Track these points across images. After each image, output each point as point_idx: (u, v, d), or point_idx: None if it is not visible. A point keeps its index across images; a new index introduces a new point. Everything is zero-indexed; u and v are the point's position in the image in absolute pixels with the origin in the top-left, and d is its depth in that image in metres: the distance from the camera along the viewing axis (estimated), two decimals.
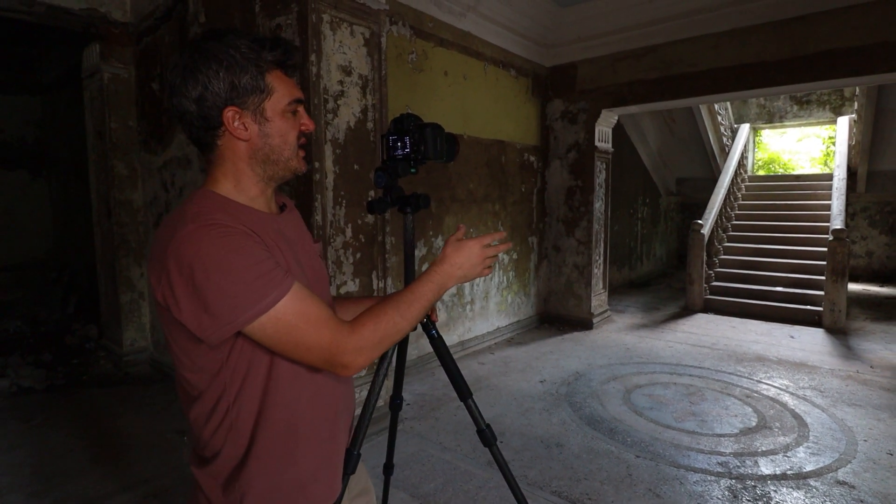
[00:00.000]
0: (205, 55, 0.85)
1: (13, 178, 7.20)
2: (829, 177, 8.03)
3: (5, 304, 5.98)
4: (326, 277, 1.09)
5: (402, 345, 1.46)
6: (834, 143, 8.78)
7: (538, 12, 4.83)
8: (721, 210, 7.25)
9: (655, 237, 9.25)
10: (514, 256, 5.19)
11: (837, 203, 6.37)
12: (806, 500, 2.32)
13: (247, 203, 0.92)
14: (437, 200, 4.18)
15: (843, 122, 8.33)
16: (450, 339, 4.40)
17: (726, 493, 2.38)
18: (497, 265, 4.95)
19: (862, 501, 2.30)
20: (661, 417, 3.19)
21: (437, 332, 1.31)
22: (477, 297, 4.72)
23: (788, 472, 2.55)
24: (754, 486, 2.43)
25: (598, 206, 5.40)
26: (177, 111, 0.88)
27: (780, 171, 11.59)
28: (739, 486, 2.43)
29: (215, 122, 0.87)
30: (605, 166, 5.48)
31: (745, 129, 9.07)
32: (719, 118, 8.41)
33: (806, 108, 9.52)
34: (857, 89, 7.40)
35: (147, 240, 4.18)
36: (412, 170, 1.25)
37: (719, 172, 8.05)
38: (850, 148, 7.97)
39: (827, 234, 5.83)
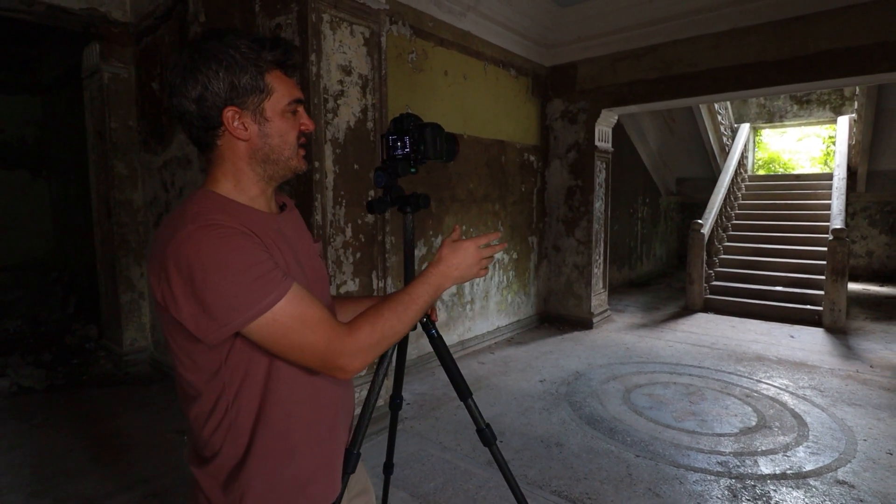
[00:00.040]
0: (205, 55, 0.85)
1: (13, 178, 7.20)
2: (829, 176, 8.04)
3: (5, 304, 5.98)
4: (326, 277, 1.10)
5: (402, 344, 1.46)
6: (834, 143, 8.78)
7: (538, 12, 4.83)
8: (721, 210, 7.25)
9: (655, 237, 9.25)
10: (514, 256, 5.19)
11: (837, 203, 6.37)
12: (805, 499, 2.32)
13: (247, 203, 0.92)
14: (437, 200, 4.18)
15: (843, 121, 8.33)
16: (450, 338, 4.41)
17: (726, 492, 2.38)
18: (497, 265, 4.95)
19: (861, 501, 2.30)
20: (661, 417, 3.19)
21: (437, 331, 1.31)
22: (477, 296, 4.72)
23: (788, 472, 2.55)
24: (754, 486, 2.43)
25: (598, 205, 5.40)
26: (177, 111, 0.88)
27: (780, 171, 11.60)
28: (739, 485, 2.43)
29: (215, 121, 0.88)
30: (605, 166, 5.48)
31: (745, 128, 9.07)
32: (719, 118, 8.41)
33: (806, 107, 9.52)
34: (857, 89, 7.41)
35: (147, 240, 4.18)
36: (412, 169, 1.25)
37: (719, 172, 8.05)
38: (850, 147, 7.97)
39: (827, 233, 5.83)
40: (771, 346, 4.69)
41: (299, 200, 2.56)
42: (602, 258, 5.56)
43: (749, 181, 8.97)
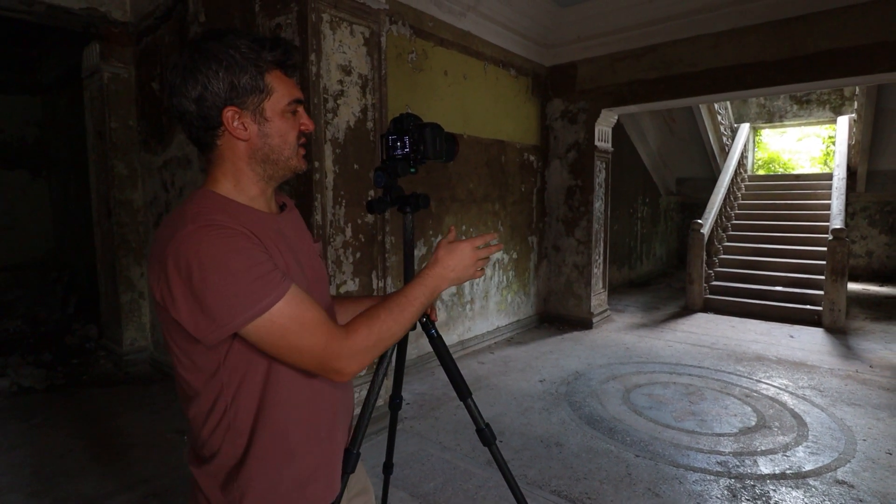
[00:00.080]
0: (204, 55, 0.85)
1: (13, 178, 7.20)
2: (829, 176, 8.04)
3: (5, 304, 5.98)
4: (326, 277, 1.10)
5: (402, 344, 1.46)
6: (834, 143, 8.78)
7: (538, 12, 4.83)
8: (721, 210, 7.25)
9: (655, 237, 9.25)
10: (514, 256, 5.19)
11: (837, 203, 6.37)
12: (805, 499, 2.32)
13: (247, 203, 0.92)
14: (436, 200, 4.18)
15: (843, 121, 8.33)
16: (449, 338, 4.41)
17: (725, 492, 2.38)
18: (497, 265, 4.95)
19: (861, 501, 2.30)
20: (661, 417, 3.19)
21: (437, 331, 1.32)
22: (477, 296, 4.72)
23: (787, 472, 2.55)
24: (753, 486, 2.43)
25: (598, 205, 5.40)
26: (177, 111, 0.88)
27: (780, 171, 11.60)
28: (738, 485, 2.44)
29: (215, 121, 0.88)
30: (604, 166, 5.48)
31: (744, 128, 9.07)
32: (719, 118, 8.41)
33: (806, 107, 9.53)
34: (857, 89, 7.41)
35: (147, 240, 4.18)
36: (412, 169, 1.25)
37: (719, 172, 8.05)
38: (850, 147, 7.97)
39: (827, 233, 5.83)
40: (771, 346, 4.69)
41: (299, 200, 2.56)
42: (602, 258, 5.56)
43: (749, 181, 8.97)
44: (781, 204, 7.93)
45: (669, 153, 8.66)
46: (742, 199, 8.34)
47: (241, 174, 0.92)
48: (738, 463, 2.64)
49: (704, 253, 6.30)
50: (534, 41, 5.09)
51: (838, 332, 5.18)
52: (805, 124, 10.03)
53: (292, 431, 0.91)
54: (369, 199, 1.82)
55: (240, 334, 0.82)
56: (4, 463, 2.63)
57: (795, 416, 3.21)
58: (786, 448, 2.80)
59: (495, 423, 3.06)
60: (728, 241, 7.30)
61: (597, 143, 5.26)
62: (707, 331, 5.29)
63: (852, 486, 2.41)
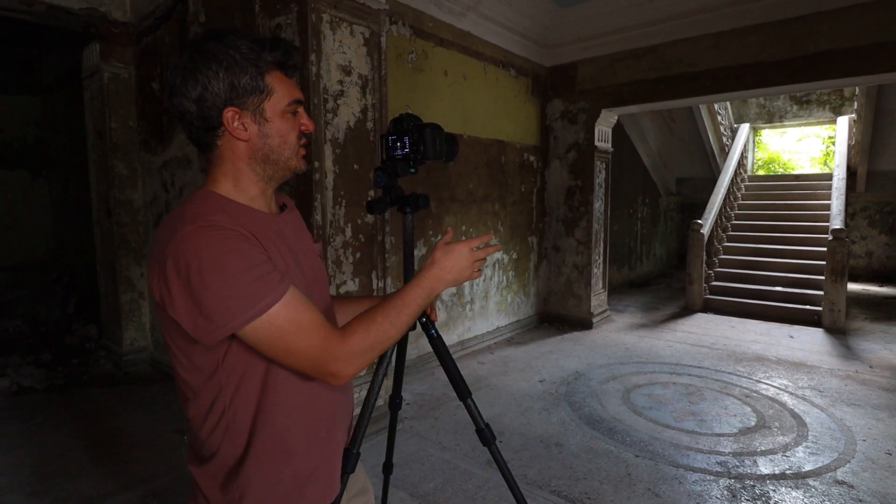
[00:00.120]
0: (205, 55, 0.85)
1: (13, 178, 7.20)
2: (829, 176, 8.03)
3: (5, 304, 5.98)
4: (326, 277, 1.10)
5: (402, 344, 1.46)
6: (834, 143, 8.78)
7: (538, 12, 4.83)
8: (721, 210, 7.25)
9: (655, 237, 9.25)
10: (514, 256, 5.19)
11: (837, 203, 6.37)
12: (805, 499, 2.32)
13: (247, 203, 0.92)
14: (436, 200, 4.18)
15: (843, 121, 8.33)
16: (449, 338, 4.41)
17: (725, 492, 2.38)
18: (497, 265, 4.96)
19: (861, 501, 2.30)
20: (661, 417, 3.19)
21: (437, 331, 1.31)
22: (476, 296, 4.72)
23: (787, 472, 2.55)
24: (753, 486, 2.43)
25: (598, 205, 5.40)
26: (177, 111, 0.89)
27: (780, 171, 11.60)
28: (738, 485, 2.44)
29: (215, 122, 0.88)
30: (604, 166, 5.48)
31: (744, 128, 9.07)
32: (719, 118, 8.41)
33: (806, 107, 9.53)
34: (857, 89, 7.41)
35: (147, 240, 4.18)
36: (411, 170, 1.25)
37: (719, 172, 8.05)
38: (850, 148, 7.98)
39: (826, 233, 5.83)
40: (770, 347, 4.69)
41: (299, 200, 2.56)
42: (602, 258, 5.56)
43: (749, 181, 8.97)
44: (781, 204, 7.93)
45: (669, 153, 8.67)
46: (742, 200, 8.34)
47: (241, 174, 0.92)
48: (737, 463, 2.64)
49: (704, 253, 6.30)
50: (534, 41, 5.09)
51: (838, 332, 5.18)
52: (805, 124, 10.03)
53: (291, 431, 0.91)
54: (369, 199, 1.82)
55: (238, 336, 0.82)
56: (4, 463, 2.63)
57: (795, 416, 3.21)
58: (785, 448, 2.80)
59: (495, 424, 3.06)
60: (728, 242, 7.31)
61: (597, 143, 5.26)
62: (707, 331, 5.29)
63: (852, 487, 2.42)
